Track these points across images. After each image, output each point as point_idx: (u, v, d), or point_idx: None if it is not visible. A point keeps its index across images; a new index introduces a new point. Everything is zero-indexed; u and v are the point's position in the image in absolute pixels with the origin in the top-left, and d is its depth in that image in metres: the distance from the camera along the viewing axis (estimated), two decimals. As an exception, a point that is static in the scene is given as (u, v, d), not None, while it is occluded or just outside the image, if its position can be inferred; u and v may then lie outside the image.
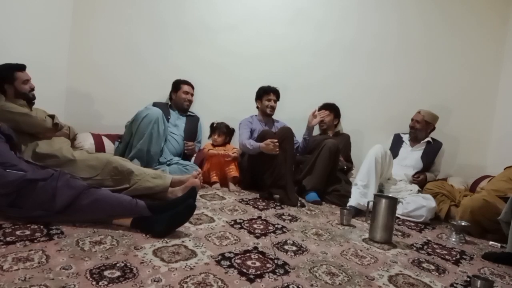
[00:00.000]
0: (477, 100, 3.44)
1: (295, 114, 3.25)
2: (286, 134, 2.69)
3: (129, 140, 2.58)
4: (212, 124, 3.06)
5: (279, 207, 2.43)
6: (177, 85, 3.06)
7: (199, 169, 2.67)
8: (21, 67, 2.17)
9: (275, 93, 3.08)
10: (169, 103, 3.09)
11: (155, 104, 2.93)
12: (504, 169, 2.66)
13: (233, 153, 2.88)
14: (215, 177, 2.83)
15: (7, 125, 1.91)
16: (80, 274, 1.21)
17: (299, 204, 2.50)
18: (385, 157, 2.60)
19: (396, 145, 3.13)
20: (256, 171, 2.76)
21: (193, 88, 3.10)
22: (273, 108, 3.08)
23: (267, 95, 3.06)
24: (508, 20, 3.40)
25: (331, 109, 3.20)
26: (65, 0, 3.10)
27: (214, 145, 2.97)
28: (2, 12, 2.42)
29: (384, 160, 2.59)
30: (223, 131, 2.98)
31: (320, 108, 3.19)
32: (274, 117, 3.18)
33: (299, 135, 3.10)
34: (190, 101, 3.07)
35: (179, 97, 3.03)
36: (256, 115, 3.15)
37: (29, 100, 2.20)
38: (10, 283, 1.11)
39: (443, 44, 3.42)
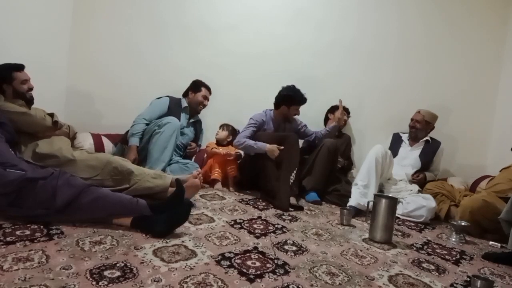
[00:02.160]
0: (477, 100, 3.43)
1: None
2: (286, 139, 2.62)
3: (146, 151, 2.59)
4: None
5: (279, 207, 2.43)
6: (198, 86, 2.95)
7: (199, 169, 2.66)
8: (20, 67, 2.17)
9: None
10: (183, 99, 2.96)
11: (169, 98, 2.88)
12: (500, 170, 2.62)
13: (235, 152, 2.87)
14: (216, 174, 2.81)
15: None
16: (80, 274, 1.21)
17: (291, 209, 2.38)
18: (386, 157, 2.60)
19: (395, 145, 3.13)
20: (254, 172, 2.74)
21: (210, 94, 3.02)
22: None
23: (298, 104, 2.88)
24: (508, 20, 3.40)
25: (347, 111, 3.32)
26: (65, 0, 3.10)
27: (217, 144, 2.97)
28: (2, 12, 2.42)
29: (385, 160, 2.59)
30: (228, 128, 3.00)
31: (333, 109, 3.21)
32: None
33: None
34: (205, 106, 2.99)
35: (196, 98, 2.92)
36: (270, 111, 3.00)
37: (28, 100, 2.20)
38: (10, 283, 1.11)
39: (443, 44, 3.41)
